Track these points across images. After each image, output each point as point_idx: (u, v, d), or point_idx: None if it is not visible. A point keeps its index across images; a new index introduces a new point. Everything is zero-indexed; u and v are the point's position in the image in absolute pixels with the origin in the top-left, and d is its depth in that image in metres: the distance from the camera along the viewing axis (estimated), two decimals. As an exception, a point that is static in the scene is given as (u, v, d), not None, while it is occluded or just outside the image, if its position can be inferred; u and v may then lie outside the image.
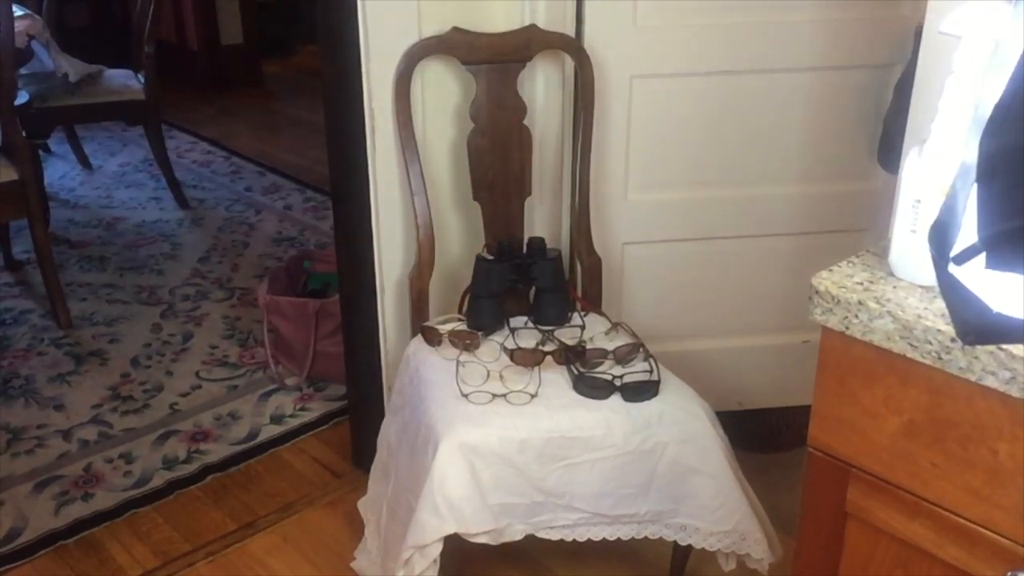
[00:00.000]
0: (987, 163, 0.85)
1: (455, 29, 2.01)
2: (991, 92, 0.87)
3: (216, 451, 2.55)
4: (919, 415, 1.07)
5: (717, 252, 2.35)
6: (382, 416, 2.13)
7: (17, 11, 3.31)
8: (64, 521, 2.30)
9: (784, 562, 1.85)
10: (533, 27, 2.05)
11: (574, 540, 1.80)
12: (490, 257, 2.03)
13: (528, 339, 1.97)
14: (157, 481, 2.44)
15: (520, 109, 2.07)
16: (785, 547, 1.85)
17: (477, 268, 2.02)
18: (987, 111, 0.86)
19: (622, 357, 1.90)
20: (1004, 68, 0.88)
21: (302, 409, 2.73)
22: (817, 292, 1.10)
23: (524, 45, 2.04)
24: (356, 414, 2.48)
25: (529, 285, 2.05)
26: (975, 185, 0.88)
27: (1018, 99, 0.85)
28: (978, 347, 0.96)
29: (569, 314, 2.05)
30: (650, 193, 2.28)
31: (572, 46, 2.07)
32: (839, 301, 1.08)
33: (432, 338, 1.97)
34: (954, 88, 1.02)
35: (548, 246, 2.05)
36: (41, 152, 4.12)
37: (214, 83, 5.49)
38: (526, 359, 1.87)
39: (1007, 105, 0.84)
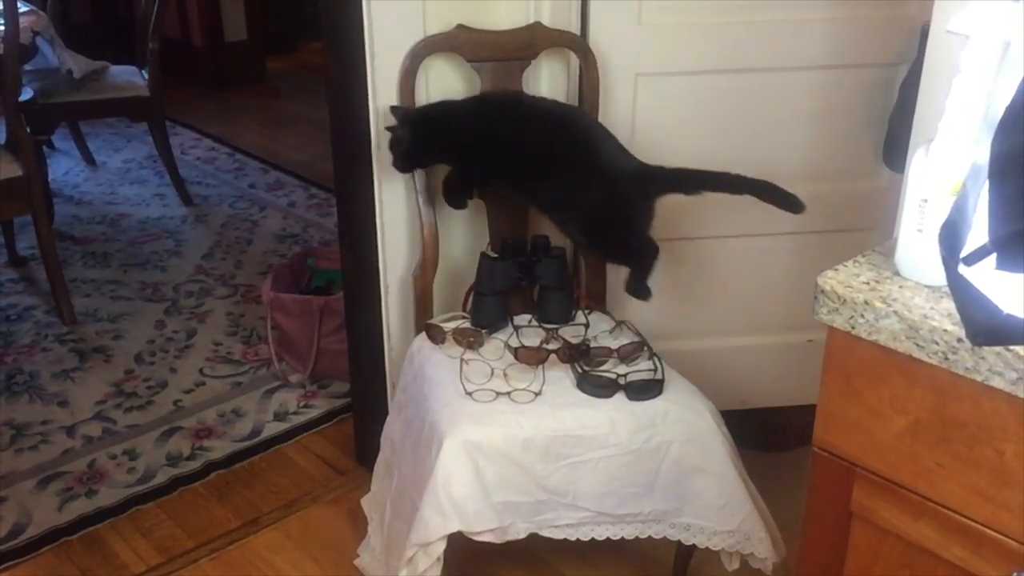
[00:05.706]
0: (998, 164, 0.85)
1: (460, 27, 2.01)
2: (1003, 93, 0.86)
3: (220, 448, 2.56)
4: (925, 415, 1.06)
5: (722, 251, 2.34)
6: (386, 414, 2.13)
7: (22, 7, 3.32)
8: (68, 517, 2.30)
9: (788, 562, 1.85)
10: (538, 25, 2.04)
11: (578, 539, 1.80)
12: (494, 255, 2.02)
13: (532, 337, 1.97)
14: (161, 478, 2.44)
15: (525, 107, 2.06)
16: (789, 547, 1.85)
17: (481, 266, 2.02)
18: (999, 112, 0.86)
19: (626, 356, 1.89)
20: (1015, 69, 0.88)
21: (306, 406, 2.73)
22: (823, 291, 1.10)
23: (529, 43, 2.04)
24: (360, 411, 2.48)
25: (533, 283, 2.04)
26: (986, 185, 0.88)
27: (1028, 100, 0.84)
28: (985, 347, 0.96)
29: (573, 312, 2.05)
30: (654, 191, 2.28)
31: (577, 44, 2.07)
32: (845, 300, 1.08)
33: (436, 336, 1.97)
34: (962, 87, 1.02)
35: (552, 244, 2.05)
36: (45, 148, 4.12)
37: (218, 80, 5.50)
38: (530, 357, 1.87)
39: (1019, 106, 0.84)
